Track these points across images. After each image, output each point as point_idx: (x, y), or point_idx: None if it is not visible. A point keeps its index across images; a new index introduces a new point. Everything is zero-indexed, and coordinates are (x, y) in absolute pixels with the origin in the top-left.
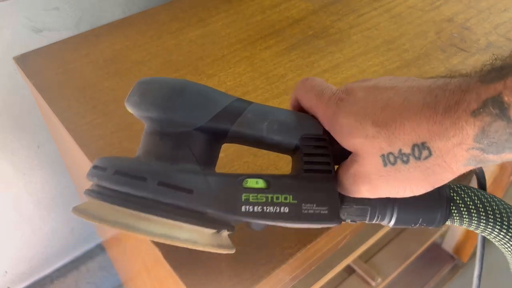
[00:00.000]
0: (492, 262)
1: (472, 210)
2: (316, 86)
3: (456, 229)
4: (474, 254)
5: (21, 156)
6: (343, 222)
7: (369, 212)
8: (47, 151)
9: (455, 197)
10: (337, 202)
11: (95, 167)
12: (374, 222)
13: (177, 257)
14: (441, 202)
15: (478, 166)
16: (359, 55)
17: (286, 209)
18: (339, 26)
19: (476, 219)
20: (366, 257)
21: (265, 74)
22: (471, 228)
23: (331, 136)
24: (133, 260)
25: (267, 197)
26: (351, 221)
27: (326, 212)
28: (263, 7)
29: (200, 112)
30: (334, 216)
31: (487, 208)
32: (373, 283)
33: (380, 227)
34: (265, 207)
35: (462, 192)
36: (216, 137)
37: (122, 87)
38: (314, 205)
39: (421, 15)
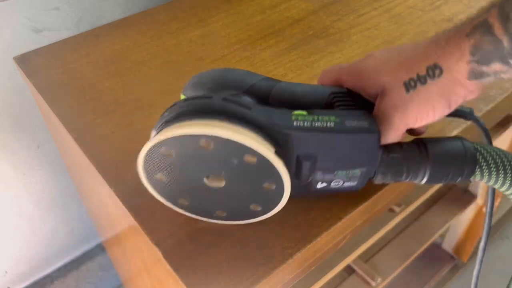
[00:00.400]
0: (493, 261)
1: (498, 165)
2: (333, 66)
3: (456, 229)
4: (474, 254)
5: (21, 156)
6: (380, 183)
7: (404, 166)
8: (47, 151)
9: (481, 151)
10: (373, 119)
11: (164, 113)
12: (409, 180)
13: (177, 257)
14: (468, 156)
15: (478, 79)
16: (359, 55)
17: (332, 124)
18: (339, 26)
19: (502, 173)
20: (366, 257)
21: (265, 74)
22: (495, 184)
23: (356, 95)
24: (133, 260)
25: (313, 117)
26: (391, 178)
27: (367, 124)
28: (263, 7)
29: (245, 79)
30: (374, 127)
31: (508, 164)
32: (373, 283)
33: (380, 226)
34: (313, 123)
35: (489, 149)
36: (260, 101)
37: (122, 87)
38: (355, 121)
39: (421, 15)
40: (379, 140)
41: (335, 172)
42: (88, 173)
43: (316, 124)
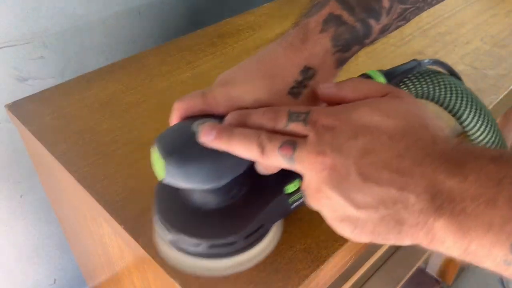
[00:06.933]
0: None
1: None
2: (189, 97)
3: (438, 254)
4: (458, 277)
5: (3, 207)
6: None
7: None
8: (30, 200)
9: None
10: None
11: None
12: None
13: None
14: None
15: (342, 65)
16: None
17: None
18: None
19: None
20: (360, 283)
21: None
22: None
23: None
24: None
25: None
26: None
27: None
28: (247, 48)
29: None
30: None
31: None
32: None
33: (375, 248)
34: None
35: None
36: None
37: (120, 128)
38: None
39: (394, 49)
40: None
41: None
42: (89, 215)
43: None
